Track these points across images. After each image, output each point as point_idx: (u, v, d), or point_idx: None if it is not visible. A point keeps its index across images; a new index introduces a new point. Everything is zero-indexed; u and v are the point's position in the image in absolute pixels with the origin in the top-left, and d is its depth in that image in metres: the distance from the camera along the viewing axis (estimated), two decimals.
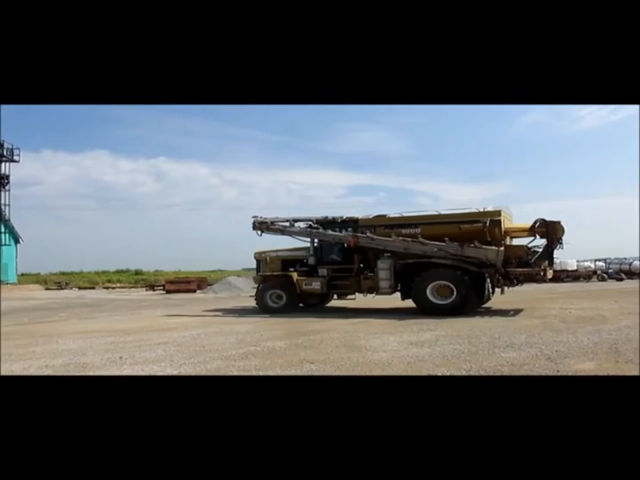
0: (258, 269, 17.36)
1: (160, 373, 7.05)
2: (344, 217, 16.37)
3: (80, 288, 40.24)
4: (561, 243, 14.51)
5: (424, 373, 6.67)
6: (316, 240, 16.31)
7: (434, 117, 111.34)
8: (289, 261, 16.80)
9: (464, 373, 6.61)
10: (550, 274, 14.75)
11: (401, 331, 10.59)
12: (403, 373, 6.68)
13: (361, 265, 15.61)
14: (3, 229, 35.83)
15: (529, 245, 14.87)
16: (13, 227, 38.22)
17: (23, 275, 43.71)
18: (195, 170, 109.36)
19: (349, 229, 15.78)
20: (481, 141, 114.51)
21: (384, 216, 15.77)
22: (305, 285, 15.86)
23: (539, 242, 14.71)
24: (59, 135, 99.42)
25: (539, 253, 14.50)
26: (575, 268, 37.73)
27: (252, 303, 17.22)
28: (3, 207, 35.57)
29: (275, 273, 16.61)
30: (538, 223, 14.44)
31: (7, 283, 35.95)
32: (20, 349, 9.28)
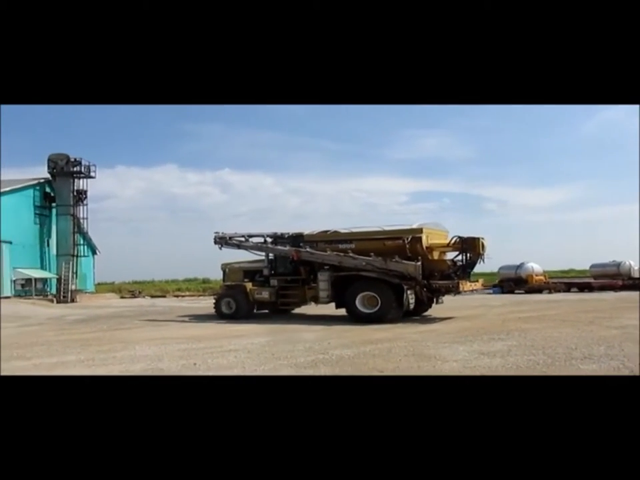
0: (224, 278, 19.18)
1: None
2: (290, 233, 18.04)
3: (152, 296, 41.80)
4: (482, 258, 15.80)
5: None
6: (271, 253, 17.85)
7: (499, 120, 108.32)
8: (249, 272, 18.32)
9: None
10: (469, 286, 16.18)
11: (470, 340, 10.37)
12: None
13: (312, 277, 16.91)
14: (81, 241, 37.85)
15: (455, 260, 16.06)
16: (91, 239, 40.29)
17: (99, 284, 45.99)
18: (260, 180, 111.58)
19: (301, 244, 17.08)
20: (550, 142, 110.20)
21: (326, 232, 17.32)
22: (257, 294, 17.45)
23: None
24: (131, 152, 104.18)
25: (461, 267, 15.79)
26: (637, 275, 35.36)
27: (315, 308, 17.58)
28: (81, 221, 37.58)
29: (232, 283, 18.31)
30: (454, 240, 15.88)
31: (86, 292, 37.96)
32: (102, 355, 9.80)
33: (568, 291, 34.04)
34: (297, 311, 18.80)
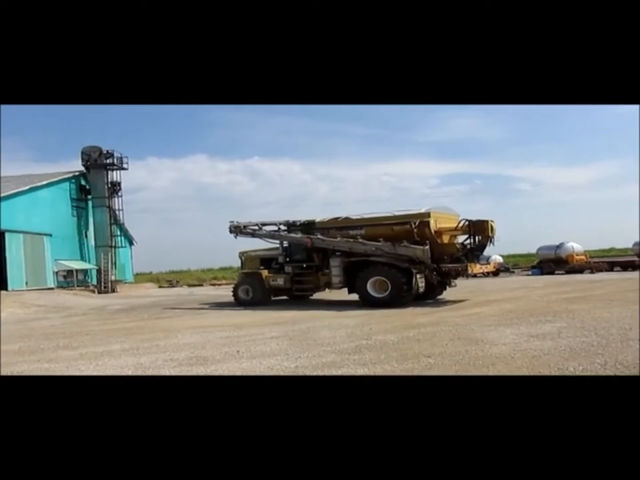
0: (242, 266, 19.82)
1: (277, 366, 7.18)
2: (302, 221, 18.23)
3: (189, 285, 42.38)
4: (492, 241, 15.91)
5: (553, 367, 6.26)
6: (285, 241, 18.12)
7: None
8: (266, 260, 18.81)
9: (597, 367, 6.14)
10: (478, 269, 16.79)
11: (516, 323, 10.10)
12: (528, 367, 6.32)
13: (325, 263, 17.13)
14: (118, 233, 38.54)
15: (464, 243, 16.04)
16: (127, 230, 41.00)
17: (137, 274, 46.85)
18: (288, 167, 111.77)
19: (314, 231, 17.34)
20: (585, 119, 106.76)
21: (337, 218, 17.51)
22: (272, 281, 17.98)
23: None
24: (161, 143, 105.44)
25: (470, 250, 15.77)
26: None
27: (344, 296, 17.44)
28: (117, 212, 38.21)
29: (249, 270, 18.92)
30: (462, 223, 15.86)
31: (125, 282, 38.74)
32: (145, 343, 9.90)
33: (611, 270, 33.13)
34: (324, 297, 18.74)
